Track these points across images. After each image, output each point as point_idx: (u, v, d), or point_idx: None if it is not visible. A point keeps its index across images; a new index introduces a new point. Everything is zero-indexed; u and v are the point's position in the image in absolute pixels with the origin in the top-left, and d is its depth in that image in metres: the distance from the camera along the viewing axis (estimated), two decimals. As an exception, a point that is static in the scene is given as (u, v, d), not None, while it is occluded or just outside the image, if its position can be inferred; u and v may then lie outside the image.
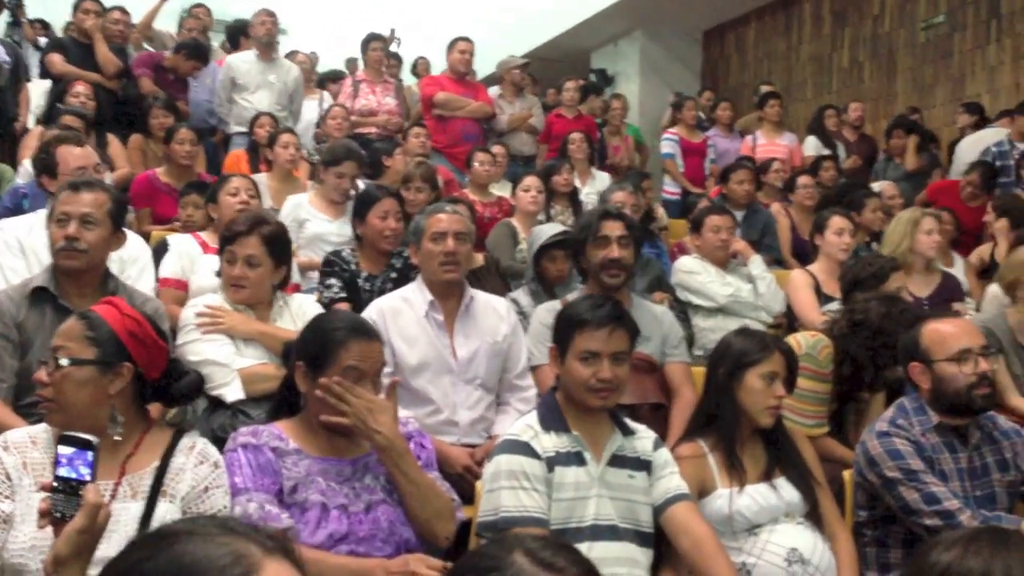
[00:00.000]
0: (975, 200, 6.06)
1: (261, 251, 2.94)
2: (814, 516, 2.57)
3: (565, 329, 2.42)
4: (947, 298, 4.41)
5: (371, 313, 3.14)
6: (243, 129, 6.42)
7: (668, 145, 7.63)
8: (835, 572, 2.49)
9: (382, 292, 3.62)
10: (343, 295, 3.74)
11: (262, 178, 5.21)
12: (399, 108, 7.17)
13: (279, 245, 3.01)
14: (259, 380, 2.78)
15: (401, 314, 3.15)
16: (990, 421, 2.72)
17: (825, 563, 2.47)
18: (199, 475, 2.03)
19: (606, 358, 2.36)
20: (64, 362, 1.98)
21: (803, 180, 6.05)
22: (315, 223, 4.65)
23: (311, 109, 7.22)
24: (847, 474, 2.85)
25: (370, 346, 2.24)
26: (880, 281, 3.55)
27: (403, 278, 3.76)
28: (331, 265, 3.85)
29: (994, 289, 4.34)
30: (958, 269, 5.07)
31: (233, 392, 2.77)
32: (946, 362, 2.59)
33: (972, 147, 6.71)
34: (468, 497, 2.64)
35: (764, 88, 8.31)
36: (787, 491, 2.56)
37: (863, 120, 8.16)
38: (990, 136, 6.73)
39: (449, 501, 2.26)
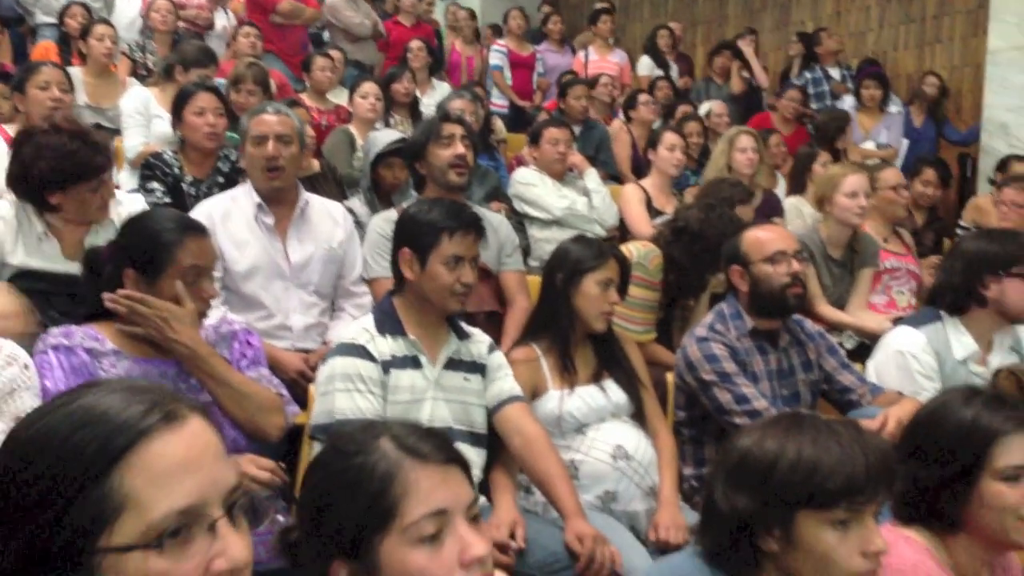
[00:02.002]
0: (790, 125, 6.41)
1: None
2: (639, 416, 2.69)
3: (429, 234, 2.37)
4: (767, 214, 4.64)
5: (198, 215, 2.99)
6: (51, 20, 5.94)
7: (496, 57, 7.56)
8: (656, 466, 2.62)
9: (208, 198, 3.47)
10: (167, 200, 3.54)
11: (76, 72, 4.84)
12: (210, 3, 6.76)
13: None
14: None
15: (230, 217, 3.03)
16: (798, 325, 2.91)
17: (647, 458, 2.60)
18: (6, 376, 1.92)
19: (467, 262, 2.37)
20: None
21: (644, 98, 6.16)
22: (166, 123, 4.38)
23: (134, 2, 6.73)
24: (670, 377, 3.00)
25: (205, 242, 2.18)
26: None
27: (231, 183, 3.60)
28: (152, 168, 3.63)
29: (792, 201, 4.73)
30: (781, 189, 5.36)
31: None
32: (762, 263, 2.74)
33: None
34: (302, 402, 2.61)
35: (599, 4, 8.35)
36: (615, 392, 2.66)
37: (682, 39, 8.35)
38: None
39: (273, 395, 2.22)
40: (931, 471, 1.66)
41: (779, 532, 1.40)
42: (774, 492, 1.39)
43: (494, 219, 3.48)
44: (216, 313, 2.30)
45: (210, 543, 0.89)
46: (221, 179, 3.65)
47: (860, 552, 1.38)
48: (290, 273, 3.03)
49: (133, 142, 4.36)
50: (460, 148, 3.26)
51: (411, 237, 2.41)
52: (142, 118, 4.42)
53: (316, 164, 4.15)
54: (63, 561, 0.85)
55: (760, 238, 2.79)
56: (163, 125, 4.37)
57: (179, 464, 0.89)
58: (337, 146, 4.80)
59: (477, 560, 1.11)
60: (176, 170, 3.63)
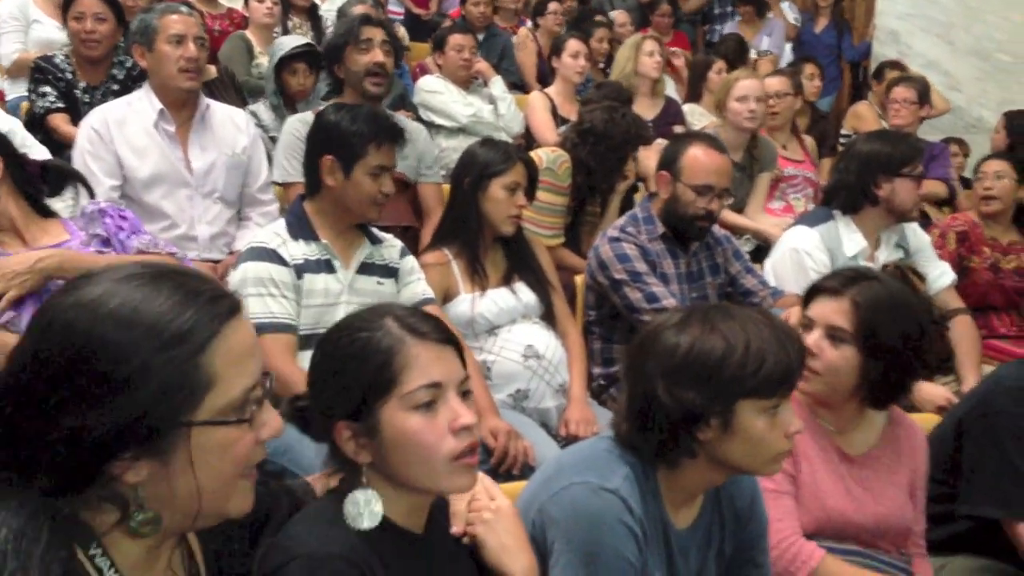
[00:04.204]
0: (667, 33, 6.54)
1: None
2: (549, 317, 2.75)
3: (356, 144, 2.34)
4: (670, 121, 4.72)
5: (93, 121, 2.90)
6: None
7: (389, -39, 7.35)
8: (566, 365, 2.70)
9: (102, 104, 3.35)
10: (60, 104, 3.42)
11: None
12: None
13: None
14: None
15: (127, 123, 2.92)
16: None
17: (557, 357, 2.67)
18: None
19: (389, 172, 2.38)
20: None
21: (552, 6, 6.10)
22: (45, 28, 4.16)
23: None
24: (579, 279, 3.07)
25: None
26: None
27: (125, 90, 3.48)
28: (43, 72, 3.50)
29: (688, 108, 4.87)
30: (671, 92, 5.44)
31: None
32: (689, 187, 2.78)
33: None
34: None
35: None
36: (525, 294, 2.72)
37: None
38: None
39: (162, 259, 2.23)
40: None
41: (717, 421, 1.45)
42: (724, 385, 1.43)
43: (412, 129, 3.44)
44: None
45: (260, 416, 1.03)
46: (116, 87, 3.54)
47: (784, 434, 1.48)
48: (194, 181, 2.96)
49: (8, 48, 4.17)
50: (379, 55, 3.17)
51: (336, 145, 2.36)
52: (18, 23, 4.22)
53: (213, 70, 4.02)
54: (156, 433, 0.94)
55: (701, 163, 2.78)
56: (42, 30, 4.19)
57: (248, 348, 1.01)
58: (235, 53, 4.64)
59: (465, 428, 1.24)
60: (68, 75, 3.52)
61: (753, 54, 6.51)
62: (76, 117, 3.35)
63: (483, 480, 1.42)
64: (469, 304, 2.64)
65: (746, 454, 1.47)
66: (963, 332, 3.05)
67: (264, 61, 4.49)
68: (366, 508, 1.23)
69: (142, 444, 0.94)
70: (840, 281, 1.92)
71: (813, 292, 1.97)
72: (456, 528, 1.37)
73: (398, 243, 2.55)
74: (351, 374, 1.25)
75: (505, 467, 2.27)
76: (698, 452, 1.48)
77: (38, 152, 2.91)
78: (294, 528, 1.21)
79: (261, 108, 3.82)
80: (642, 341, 1.52)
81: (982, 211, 3.60)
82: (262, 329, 2.20)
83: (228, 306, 1.00)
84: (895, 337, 1.86)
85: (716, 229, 3.04)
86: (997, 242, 3.60)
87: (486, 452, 2.29)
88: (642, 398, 1.48)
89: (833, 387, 1.89)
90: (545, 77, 5.68)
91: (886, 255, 3.02)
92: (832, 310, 1.89)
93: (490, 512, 1.37)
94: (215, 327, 0.97)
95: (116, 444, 0.93)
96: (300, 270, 2.31)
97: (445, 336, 1.29)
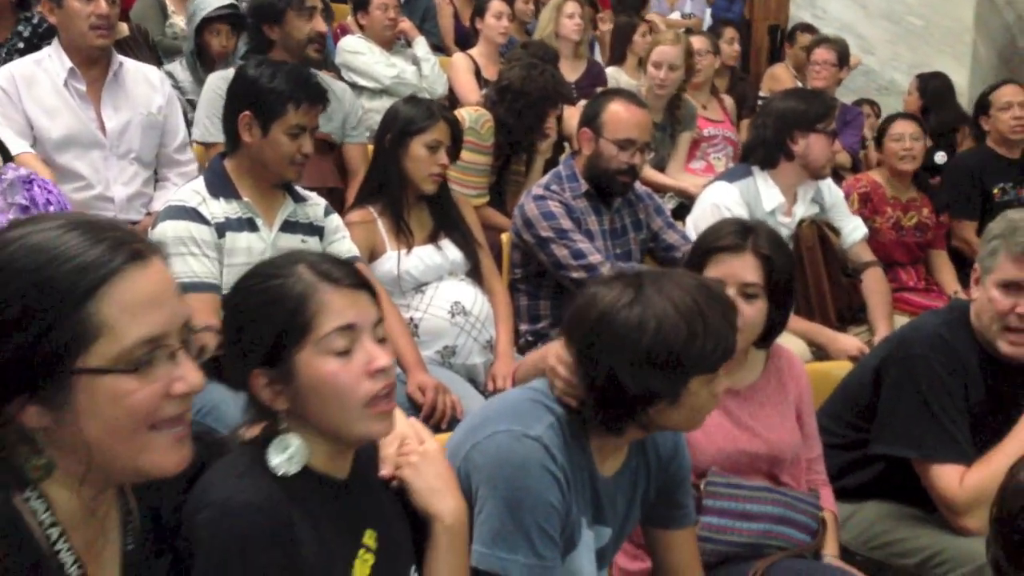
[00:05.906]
0: None
1: None
2: (475, 274, 2.77)
3: (275, 103, 2.30)
4: (592, 83, 4.74)
5: (0, 80, 2.80)
6: None
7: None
8: (492, 321, 2.72)
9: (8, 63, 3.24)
10: None
11: None
12: None
13: None
14: None
15: (36, 82, 2.84)
16: (628, 186, 3.03)
17: (484, 313, 2.70)
18: None
19: (309, 132, 2.35)
20: None
21: (464, -36, 6.05)
22: None
23: None
24: (505, 237, 3.09)
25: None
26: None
27: (32, 47, 3.37)
28: None
29: (612, 71, 4.89)
30: (597, 56, 5.48)
31: None
32: (611, 142, 2.81)
33: None
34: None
35: None
36: (451, 251, 2.73)
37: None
38: None
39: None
40: None
41: (669, 397, 1.47)
42: (687, 367, 1.44)
43: (338, 88, 3.40)
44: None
45: (171, 369, 1.01)
46: (22, 44, 3.43)
47: (714, 395, 1.52)
48: (108, 142, 2.89)
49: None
50: (320, 24, 3.17)
51: (254, 102, 2.32)
52: None
53: (124, 28, 3.90)
54: (42, 378, 0.94)
55: (622, 118, 2.82)
56: None
57: (148, 298, 0.98)
58: (147, 11, 4.49)
59: (381, 370, 1.25)
60: None
61: (677, 16, 6.58)
62: (-21, 76, 3.24)
63: (414, 424, 1.43)
64: (395, 262, 2.64)
65: (686, 419, 1.52)
66: (874, 284, 3.17)
67: (178, 21, 4.38)
68: (289, 453, 1.23)
69: (31, 389, 0.94)
70: (737, 236, 1.93)
71: (709, 252, 1.94)
72: (385, 471, 1.37)
73: (322, 201, 2.53)
74: (264, 321, 1.24)
75: (433, 421, 2.29)
76: (648, 424, 1.51)
77: None
78: (208, 478, 1.19)
79: (177, 68, 3.73)
80: (597, 321, 1.48)
81: (899, 169, 3.73)
82: (184, 289, 2.14)
83: (130, 252, 0.98)
84: (789, 278, 1.95)
85: (638, 186, 3.08)
86: (898, 200, 3.76)
87: (414, 407, 2.30)
88: (605, 381, 1.46)
89: (747, 341, 1.92)
90: (465, 39, 5.64)
91: (803, 210, 3.10)
92: (740, 267, 1.90)
93: (418, 455, 1.38)
94: (107, 274, 0.96)
95: (4, 386, 0.94)
96: (221, 228, 2.28)
97: (358, 281, 1.29)
